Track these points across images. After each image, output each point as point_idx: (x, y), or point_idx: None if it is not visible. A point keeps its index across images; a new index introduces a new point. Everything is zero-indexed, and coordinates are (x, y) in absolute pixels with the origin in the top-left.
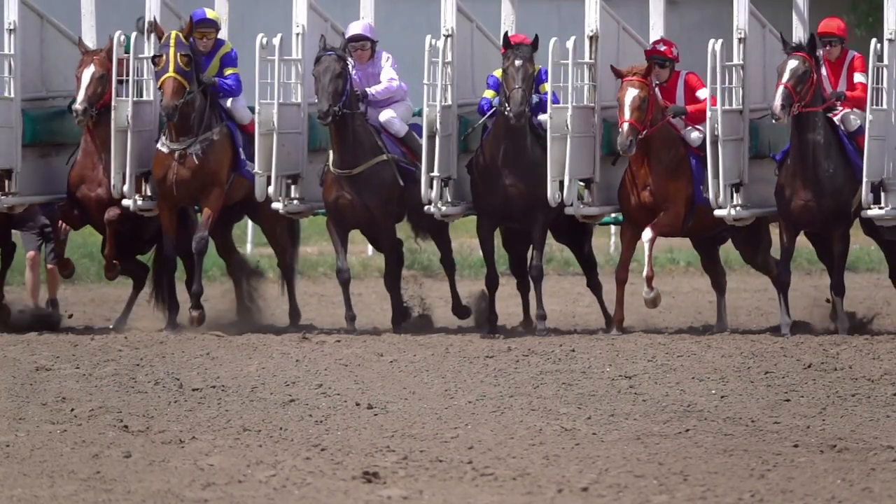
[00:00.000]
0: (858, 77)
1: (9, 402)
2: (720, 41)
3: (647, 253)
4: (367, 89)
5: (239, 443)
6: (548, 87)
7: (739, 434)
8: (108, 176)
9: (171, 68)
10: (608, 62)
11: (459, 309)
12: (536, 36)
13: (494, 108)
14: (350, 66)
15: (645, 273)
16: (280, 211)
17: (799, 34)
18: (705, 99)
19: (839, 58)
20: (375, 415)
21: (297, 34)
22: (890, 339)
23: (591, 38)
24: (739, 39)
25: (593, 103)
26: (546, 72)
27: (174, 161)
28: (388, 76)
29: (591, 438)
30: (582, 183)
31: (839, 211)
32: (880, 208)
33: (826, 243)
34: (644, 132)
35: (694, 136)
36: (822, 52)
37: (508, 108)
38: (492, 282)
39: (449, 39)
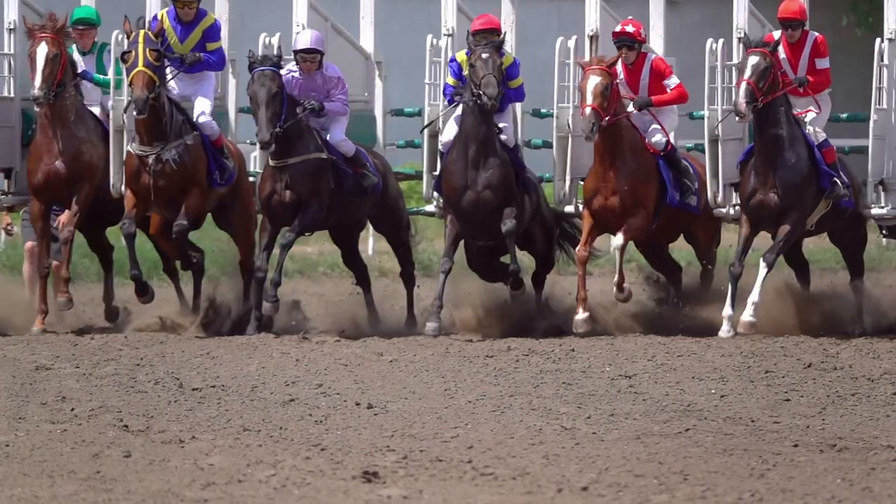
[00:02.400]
0: (821, 63)
1: (9, 401)
2: (721, 41)
3: (618, 260)
4: (325, 104)
5: (239, 442)
6: (520, 81)
7: (739, 433)
8: (66, 152)
9: (140, 62)
10: None
11: (410, 320)
12: (505, 33)
13: (458, 101)
14: (294, 74)
15: (616, 279)
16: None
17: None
18: (674, 88)
19: (800, 40)
20: (375, 414)
21: (298, 34)
22: (890, 339)
23: (591, 37)
24: (739, 39)
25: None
26: (518, 65)
27: (150, 166)
28: (340, 97)
29: (591, 438)
30: (583, 182)
31: (796, 195)
32: (881, 208)
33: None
34: (606, 120)
35: (657, 139)
36: (780, 35)
37: (482, 93)
38: (445, 265)
39: (449, 39)
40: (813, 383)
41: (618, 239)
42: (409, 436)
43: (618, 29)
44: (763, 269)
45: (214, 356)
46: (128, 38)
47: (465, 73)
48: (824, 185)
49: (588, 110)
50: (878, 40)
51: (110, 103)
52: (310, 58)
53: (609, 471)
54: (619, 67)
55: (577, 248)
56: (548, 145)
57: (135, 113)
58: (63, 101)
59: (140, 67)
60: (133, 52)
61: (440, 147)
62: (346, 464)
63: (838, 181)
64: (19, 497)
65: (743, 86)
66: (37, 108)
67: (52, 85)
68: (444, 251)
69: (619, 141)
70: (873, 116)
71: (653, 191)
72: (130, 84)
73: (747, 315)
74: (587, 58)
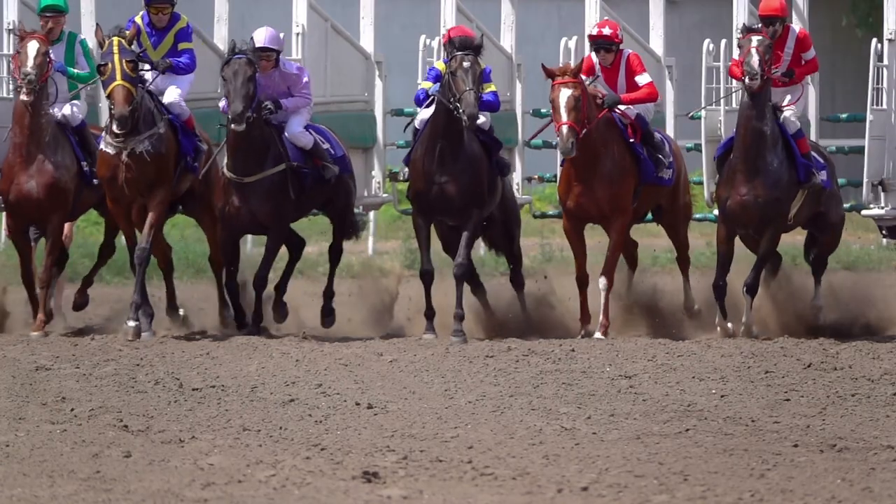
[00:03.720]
0: (807, 56)
1: (9, 401)
2: (723, 41)
3: (602, 302)
4: (283, 101)
5: (239, 442)
6: (493, 87)
7: (739, 434)
8: (40, 174)
9: (118, 76)
10: None
11: (325, 316)
12: (482, 36)
13: (431, 98)
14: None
15: (600, 321)
16: None
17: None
18: (643, 86)
19: (782, 36)
20: (375, 414)
21: (298, 34)
22: (890, 339)
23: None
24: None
25: None
26: (490, 71)
27: (122, 160)
28: (303, 92)
29: (591, 438)
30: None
31: (778, 207)
32: (881, 208)
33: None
34: (583, 132)
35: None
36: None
37: (461, 110)
38: (426, 275)
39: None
40: (813, 383)
41: (602, 281)
42: (409, 436)
43: (594, 32)
44: (748, 299)
45: (214, 356)
46: (101, 47)
47: (445, 73)
48: (801, 177)
49: (565, 129)
50: (874, 41)
51: (74, 110)
52: (265, 56)
53: (609, 471)
54: (598, 67)
55: (576, 274)
56: (548, 145)
57: (115, 128)
58: (38, 118)
59: (119, 81)
60: (109, 65)
61: (416, 124)
62: (346, 464)
63: (814, 171)
64: (19, 497)
65: (754, 51)
66: (23, 97)
67: (40, 78)
68: (423, 255)
69: (594, 144)
70: (869, 117)
71: (630, 188)
72: (109, 97)
73: (730, 324)
74: (561, 62)
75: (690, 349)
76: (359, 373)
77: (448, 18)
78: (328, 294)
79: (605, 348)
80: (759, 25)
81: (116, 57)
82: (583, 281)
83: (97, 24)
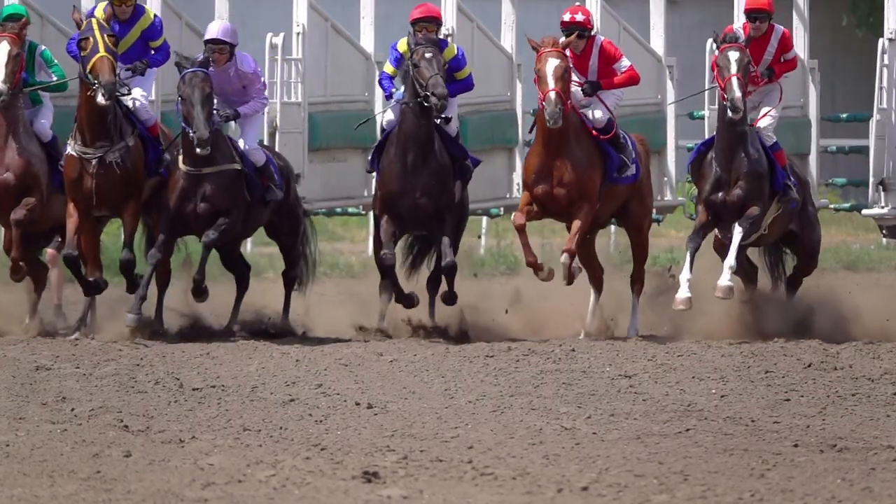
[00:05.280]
0: (787, 57)
1: (9, 401)
2: None
3: (564, 270)
4: (239, 109)
5: (239, 442)
6: (469, 70)
7: (739, 433)
8: (17, 159)
9: (101, 48)
10: None
11: (284, 321)
12: (447, 35)
13: (399, 104)
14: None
15: (565, 281)
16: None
17: (800, 34)
18: (625, 71)
19: (765, 33)
20: (375, 414)
21: (298, 33)
22: (890, 339)
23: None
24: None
25: None
26: (463, 54)
27: (92, 168)
28: (256, 95)
29: (591, 438)
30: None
31: (759, 188)
32: (881, 208)
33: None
34: (569, 104)
35: (598, 116)
36: (743, 26)
37: (430, 93)
38: (390, 266)
39: (450, 38)
40: (813, 383)
41: (564, 257)
42: (409, 436)
43: (566, 18)
44: (738, 232)
45: (214, 356)
46: (79, 27)
47: (406, 65)
48: (777, 186)
49: (552, 95)
50: (881, 40)
51: (44, 122)
52: (218, 48)
53: (609, 471)
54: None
55: (514, 215)
56: None
57: (102, 98)
58: (16, 109)
59: (102, 53)
60: (91, 39)
61: (383, 124)
62: (346, 464)
63: (790, 185)
64: (19, 497)
65: (734, 80)
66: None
67: (12, 84)
68: (384, 245)
69: (567, 128)
70: (876, 116)
71: (597, 179)
72: (92, 70)
73: (724, 280)
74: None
75: (690, 349)
76: (359, 373)
77: (448, 18)
78: (286, 309)
79: (605, 348)
80: (725, 28)
81: (97, 31)
82: (519, 225)
83: (73, 6)
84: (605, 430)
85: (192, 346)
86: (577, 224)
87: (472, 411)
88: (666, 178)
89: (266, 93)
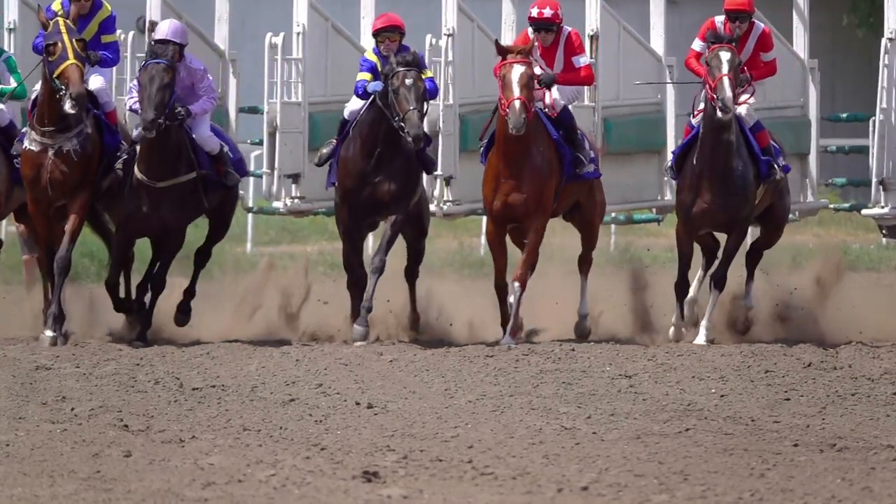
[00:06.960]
0: (766, 57)
1: (9, 401)
2: None
3: (514, 311)
4: (191, 108)
5: (239, 442)
6: (430, 73)
7: (739, 433)
8: None
9: (71, 55)
10: (609, 62)
11: (181, 314)
12: (416, 55)
13: (371, 96)
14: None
15: (510, 326)
16: (281, 210)
17: (800, 34)
18: (582, 68)
19: (745, 32)
20: (375, 414)
21: (298, 33)
22: (890, 339)
23: (591, 37)
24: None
25: (594, 102)
26: (423, 57)
27: (48, 159)
28: (205, 92)
29: (591, 437)
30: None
31: (744, 209)
32: (881, 207)
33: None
34: (532, 112)
35: (556, 96)
36: (723, 22)
37: (406, 130)
38: (360, 280)
39: (450, 39)
40: (813, 383)
41: (515, 286)
42: (409, 436)
43: (535, 14)
44: (714, 293)
45: (214, 356)
46: (45, 28)
47: (381, 71)
48: (762, 172)
49: (517, 104)
50: (883, 40)
51: (2, 108)
52: (171, 49)
53: (609, 471)
54: (536, 47)
55: (495, 279)
56: None
57: (70, 108)
58: None
59: (72, 60)
60: (59, 44)
61: (345, 115)
62: (346, 464)
63: (775, 165)
64: (19, 497)
65: (726, 80)
66: None
67: None
68: (351, 262)
69: (526, 138)
70: (879, 116)
71: (553, 187)
72: (60, 76)
73: (701, 339)
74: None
75: (690, 349)
76: (359, 372)
77: (449, 18)
78: (190, 292)
79: (605, 348)
80: (707, 23)
81: (65, 36)
82: (502, 289)
83: (38, 5)
84: (605, 430)
85: (192, 346)
86: (531, 242)
87: (472, 411)
88: (666, 179)
89: (215, 92)
